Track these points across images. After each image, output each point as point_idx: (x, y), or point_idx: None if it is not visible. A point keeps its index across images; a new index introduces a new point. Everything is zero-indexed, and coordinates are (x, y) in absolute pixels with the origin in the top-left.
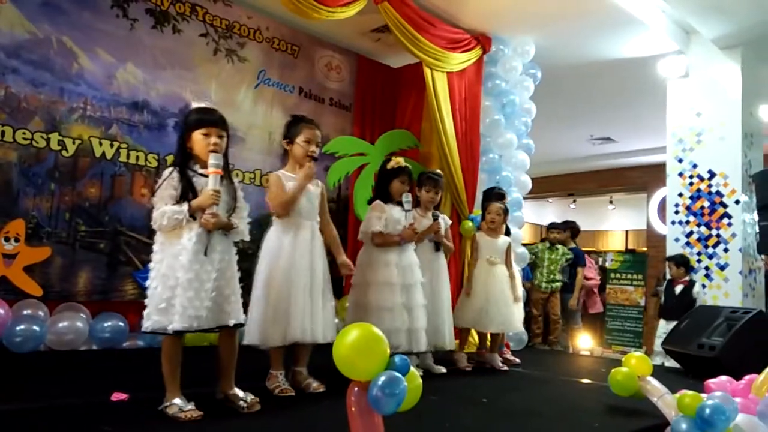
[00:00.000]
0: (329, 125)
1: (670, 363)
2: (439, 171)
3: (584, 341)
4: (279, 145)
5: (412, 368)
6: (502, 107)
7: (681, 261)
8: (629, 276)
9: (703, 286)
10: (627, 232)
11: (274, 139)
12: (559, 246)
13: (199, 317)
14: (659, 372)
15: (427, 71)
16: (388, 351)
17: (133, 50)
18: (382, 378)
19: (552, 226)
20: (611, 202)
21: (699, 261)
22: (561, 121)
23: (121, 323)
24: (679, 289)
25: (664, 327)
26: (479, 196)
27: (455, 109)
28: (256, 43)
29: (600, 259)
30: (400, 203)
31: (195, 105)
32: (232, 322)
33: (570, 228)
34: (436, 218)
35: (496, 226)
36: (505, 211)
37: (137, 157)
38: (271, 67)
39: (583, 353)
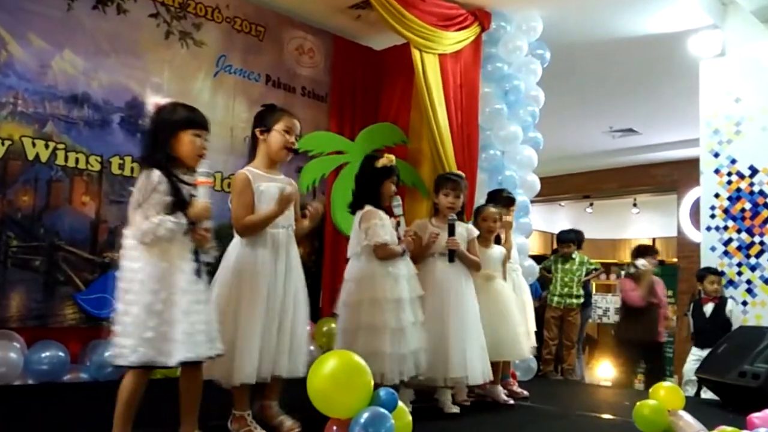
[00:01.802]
0: (302, 119)
1: (707, 394)
2: (460, 173)
3: (604, 370)
4: (243, 142)
5: (400, 403)
6: (505, 95)
7: (717, 274)
8: None
9: (744, 303)
10: (654, 240)
11: (236, 135)
12: (576, 255)
13: (205, 345)
14: (693, 405)
15: (416, 53)
16: (372, 383)
17: (71, 35)
18: (365, 415)
19: (560, 239)
20: (635, 205)
21: (739, 274)
22: (574, 110)
23: (61, 353)
24: (709, 309)
25: (696, 354)
26: (479, 200)
27: (449, 97)
28: (215, 24)
29: (622, 273)
30: (387, 208)
31: (161, 101)
32: (214, 353)
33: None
34: (451, 225)
35: (492, 235)
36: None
37: (77, 160)
38: (233, 52)
39: (603, 384)
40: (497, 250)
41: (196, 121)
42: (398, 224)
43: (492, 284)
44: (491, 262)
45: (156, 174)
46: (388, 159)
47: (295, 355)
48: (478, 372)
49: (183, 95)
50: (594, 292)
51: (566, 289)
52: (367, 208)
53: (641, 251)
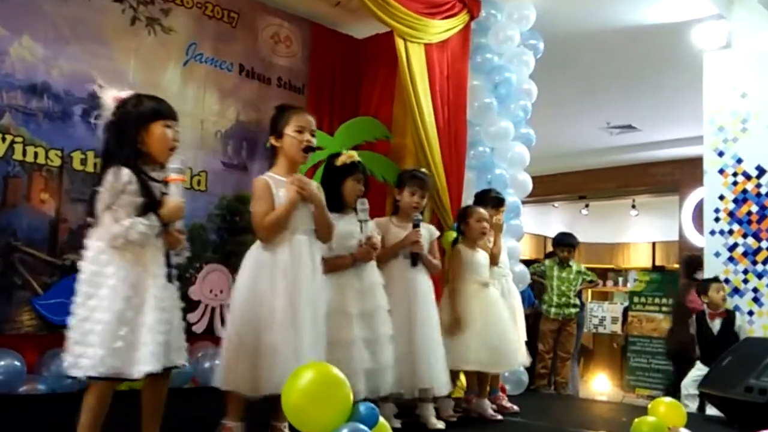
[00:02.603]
0: None
1: (711, 410)
2: (424, 170)
3: (600, 383)
4: (215, 137)
5: (381, 419)
6: (495, 88)
7: (720, 282)
8: (657, 300)
9: (750, 313)
10: (654, 244)
11: (207, 129)
12: (573, 263)
13: (168, 355)
14: (695, 422)
15: (400, 43)
16: (351, 397)
17: (30, 20)
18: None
19: (558, 242)
20: (634, 206)
21: (745, 281)
22: (569, 105)
23: (16, 363)
24: (717, 325)
25: (701, 370)
26: (466, 201)
27: (435, 90)
28: (185, 10)
29: (620, 280)
30: (354, 211)
31: (121, 94)
32: (181, 362)
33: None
34: (416, 225)
35: (485, 238)
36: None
37: (36, 154)
38: (204, 40)
39: (598, 398)
40: (482, 254)
41: (164, 111)
42: (361, 229)
43: (487, 292)
44: (482, 268)
45: (125, 173)
46: (348, 156)
47: None
48: (444, 382)
49: (150, 86)
50: (589, 300)
51: (563, 299)
52: None
53: (698, 262)
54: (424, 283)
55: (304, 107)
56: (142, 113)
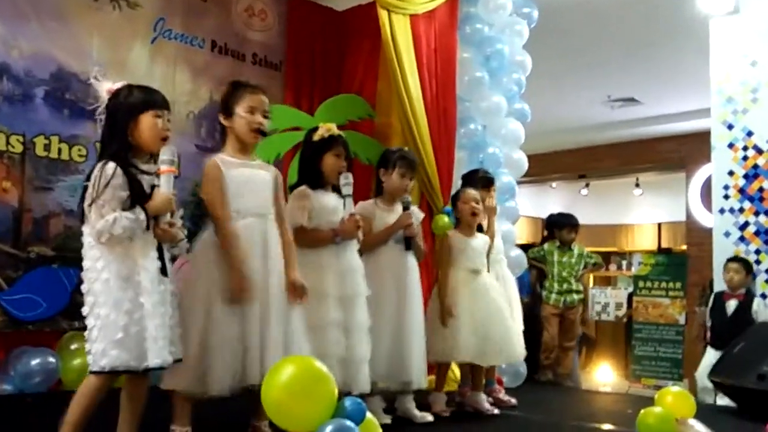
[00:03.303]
0: None
1: (722, 400)
2: (410, 150)
3: (603, 374)
4: (186, 119)
5: (368, 415)
6: (486, 60)
7: (747, 265)
8: (664, 285)
9: (763, 296)
10: (660, 225)
11: (178, 111)
12: (575, 246)
13: (168, 350)
14: (705, 412)
15: (383, 14)
16: (336, 392)
17: None
18: (330, 428)
19: (563, 223)
20: (638, 185)
21: (758, 262)
22: (567, 77)
23: None
24: (732, 306)
25: (713, 356)
26: (456, 182)
27: (422, 64)
28: None
29: (624, 263)
30: (336, 188)
31: (114, 85)
32: (176, 357)
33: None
34: (406, 207)
35: (477, 220)
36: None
37: None
38: (173, 15)
39: (602, 390)
40: (481, 240)
41: (155, 100)
42: (344, 206)
43: (479, 279)
44: (476, 254)
45: (110, 166)
46: (326, 129)
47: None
48: (423, 375)
49: (116, 65)
50: (591, 285)
51: (565, 285)
52: (300, 188)
53: None
54: (414, 269)
55: (280, 86)
56: (132, 104)
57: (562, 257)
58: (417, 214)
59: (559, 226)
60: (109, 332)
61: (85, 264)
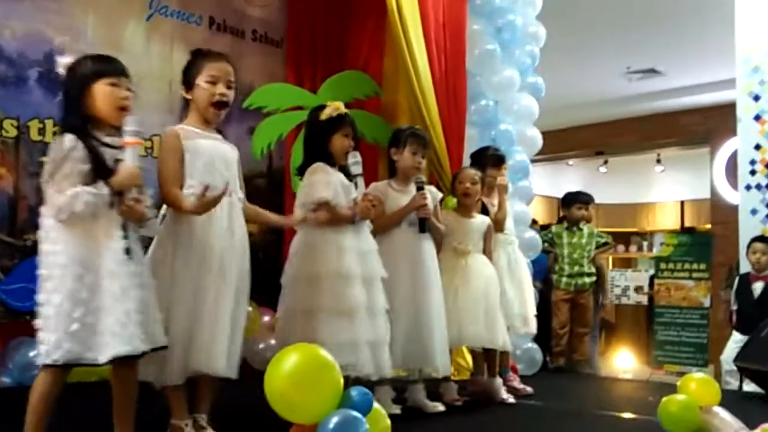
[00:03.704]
0: (253, 68)
1: (749, 386)
2: (421, 128)
3: (624, 360)
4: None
5: (375, 405)
6: (498, 32)
7: (765, 242)
8: (687, 266)
9: None
10: (682, 203)
11: (176, 91)
12: (584, 225)
13: (140, 337)
14: (731, 399)
15: None
16: (342, 381)
17: None
18: (335, 419)
19: (571, 200)
20: (659, 161)
21: None
22: (583, 48)
23: None
24: (758, 288)
25: (738, 341)
26: (468, 161)
27: (430, 38)
28: None
29: (645, 244)
30: (343, 168)
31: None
32: (153, 346)
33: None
34: (420, 188)
35: (471, 201)
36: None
37: None
38: None
39: (622, 377)
40: (479, 220)
41: (108, 68)
42: (355, 186)
43: (466, 261)
44: (468, 234)
45: (69, 138)
46: (334, 108)
47: (234, 353)
48: (447, 361)
49: (111, 44)
50: (611, 267)
51: (576, 268)
52: (318, 164)
53: None
54: (430, 252)
55: (281, 64)
56: (84, 74)
57: (572, 238)
58: (434, 194)
59: (567, 204)
60: (63, 323)
61: (43, 248)
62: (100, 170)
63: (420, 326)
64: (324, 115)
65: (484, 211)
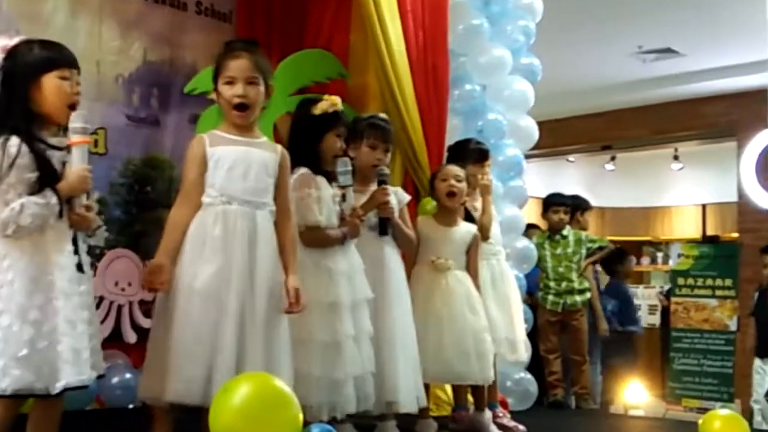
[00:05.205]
0: (197, 46)
1: None
2: (384, 115)
3: (634, 393)
4: (115, 82)
5: None
6: (486, 4)
7: None
8: (710, 282)
9: None
10: (704, 207)
11: (105, 72)
12: (567, 231)
13: (86, 366)
14: None
15: None
16: (300, 417)
17: None
18: None
19: (546, 202)
20: (676, 158)
21: None
22: (587, 24)
23: None
24: None
25: (760, 368)
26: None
27: (406, 11)
28: None
29: (659, 256)
30: (328, 174)
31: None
32: (95, 374)
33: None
34: (382, 181)
35: (455, 202)
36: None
37: None
38: None
39: (632, 413)
40: (463, 229)
41: (59, 58)
42: (343, 198)
43: (445, 278)
44: (449, 246)
45: (14, 143)
46: (330, 102)
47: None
48: (413, 394)
49: (30, 19)
50: None
51: (564, 284)
52: (301, 171)
53: None
54: (393, 260)
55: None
56: (30, 64)
57: (555, 248)
58: (400, 195)
59: (544, 207)
60: (12, 347)
61: None
62: (47, 177)
63: (380, 351)
64: (318, 109)
65: (469, 218)
